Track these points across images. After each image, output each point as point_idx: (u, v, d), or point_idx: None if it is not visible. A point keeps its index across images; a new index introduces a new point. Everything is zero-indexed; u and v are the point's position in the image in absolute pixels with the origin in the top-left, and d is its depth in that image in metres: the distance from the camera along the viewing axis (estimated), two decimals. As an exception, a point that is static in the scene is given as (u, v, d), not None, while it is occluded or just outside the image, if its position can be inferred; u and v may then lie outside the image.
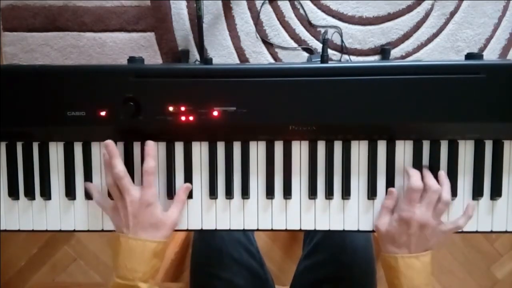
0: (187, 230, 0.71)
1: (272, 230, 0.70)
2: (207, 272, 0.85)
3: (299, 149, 0.69)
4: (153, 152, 0.67)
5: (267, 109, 0.65)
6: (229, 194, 0.69)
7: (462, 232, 0.70)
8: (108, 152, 0.66)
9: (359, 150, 0.69)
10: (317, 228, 0.70)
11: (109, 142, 0.66)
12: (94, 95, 0.66)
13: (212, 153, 0.69)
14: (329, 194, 0.69)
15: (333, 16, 1.20)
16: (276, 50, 1.21)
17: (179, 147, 0.70)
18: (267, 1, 1.19)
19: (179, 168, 0.70)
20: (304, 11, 1.19)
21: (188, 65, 1.13)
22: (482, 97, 0.64)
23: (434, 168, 0.68)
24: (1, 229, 0.72)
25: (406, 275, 0.63)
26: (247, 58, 1.21)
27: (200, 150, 0.70)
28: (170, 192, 0.69)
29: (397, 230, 0.64)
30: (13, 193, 0.70)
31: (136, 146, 0.70)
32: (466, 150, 0.69)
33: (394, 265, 0.64)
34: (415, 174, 0.66)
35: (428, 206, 0.64)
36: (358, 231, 0.70)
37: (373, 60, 1.20)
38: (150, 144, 0.67)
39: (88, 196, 0.70)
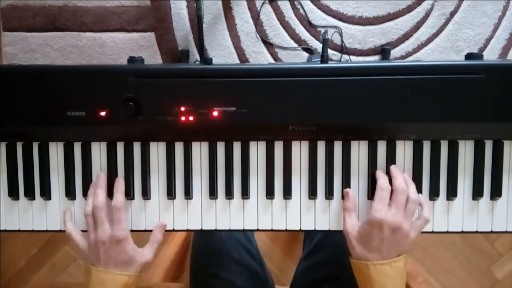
0: (187, 230, 0.71)
1: (272, 230, 0.70)
2: (207, 272, 0.85)
3: (299, 149, 0.69)
4: (122, 188, 0.68)
5: (267, 109, 0.65)
6: (229, 194, 0.69)
7: (462, 232, 0.70)
8: (96, 182, 0.67)
9: (359, 150, 0.69)
10: (317, 228, 0.70)
11: (101, 173, 0.69)
12: (94, 95, 0.66)
13: (212, 153, 0.69)
14: (329, 194, 0.69)
15: (333, 16, 1.19)
16: (276, 50, 1.21)
17: (179, 147, 0.70)
18: (267, 1, 1.19)
19: (179, 168, 0.70)
20: (304, 11, 1.19)
21: (188, 65, 1.12)
22: (482, 97, 0.64)
23: (434, 168, 0.68)
24: (1, 229, 0.72)
25: (378, 281, 0.63)
26: (247, 58, 1.21)
27: (200, 150, 0.70)
28: (170, 192, 0.69)
29: (369, 233, 0.63)
30: (13, 193, 0.70)
31: (136, 146, 0.70)
32: (466, 150, 0.69)
33: (366, 271, 0.64)
34: (382, 176, 0.66)
35: (398, 208, 0.63)
36: (358, 231, 0.70)
37: (373, 60, 1.20)
38: (120, 181, 0.68)
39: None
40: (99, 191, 0.66)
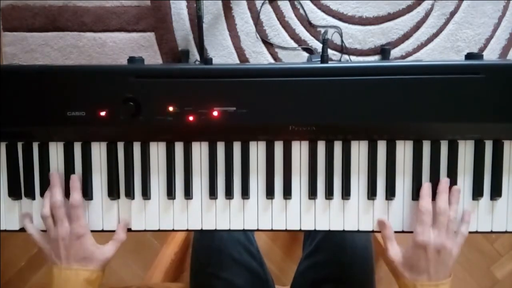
0: (187, 230, 0.71)
1: (272, 230, 0.70)
2: (207, 272, 0.85)
3: (299, 149, 0.69)
4: (77, 185, 0.68)
5: (267, 109, 0.65)
6: (229, 194, 0.69)
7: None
8: (51, 181, 0.68)
9: (359, 150, 0.69)
10: (317, 228, 0.70)
11: (54, 172, 0.69)
12: (94, 95, 0.66)
13: (212, 153, 0.69)
14: (329, 194, 0.69)
15: (333, 16, 1.19)
16: (276, 50, 1.21)
17: (179, 147, 0.70)
18: (267, 1, 1.19)
19: (179, 168, 0.70)
20: (304, 11, 1.19)
21: (188, 65, 1.12)
22: (482, 97, 0.64)
23: (434, 168, 0.68)
24: (1, 229, 0.72)
25: None
26: (247, 58, 1.21)
27: (200, 150, 0.70)
28: (170, 192, 0.69)
29: (415, 256, 0.64)
30: (13, 193, 0.70)
31: (136, 146, 0.70)
32: (466, 150, 0.69)
33: None
34: (425, 196, 0.66)
35: (441, 228, 0.64)
36: (358, 231, 0.70)
37: (373, 60, 1.20)
38: (74, 178, 0.68)
39: (87, 196, 0.70)
40: (55, 190, 0.67)
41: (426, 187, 0.67)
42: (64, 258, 0.65)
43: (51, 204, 0.66)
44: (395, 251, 0.66)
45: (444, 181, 0.67)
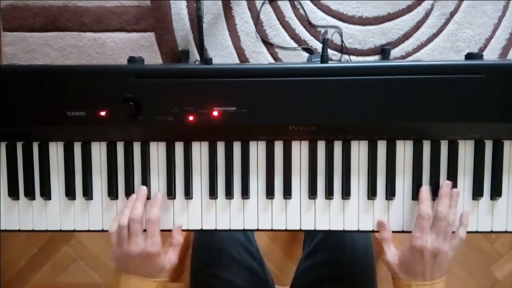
0: (187, 230, 0.71)
1: (272, 230, 0.70)
2: (207, 272, 0.85)
3: (299, 149, 0.69)
4: (159, 202, 0.68)
5: (267, 109, 0.65)
6: (229, 194, 0.69)
7: (462, 232, 0.70)
8: (137, 194, 0.68)
9: (359, 150, 0.69)
10: (317, 228, 0.70)
11: (143, 187, 0.69)
12: (94, 95, 0.66)
13: (212, 153, 0.69)
14: (329, 194, 0.69)
15: (333, 16, 1.20)
16: (276, 50, 1.21)
17: (179, 147, 0.70)
18: (267, 1, 1.19)
19: (179, 168, 0.70)
20: (304, 11, 1.19)
21: (188, 65, 1.13)
22: (482, 97, 0.64)
23: (434, 168, 0.68)
24: (1, 229, 0.72)
25: None
26: (247, 58, 1.21)
27: (200, 150, 0.70)
28: (170, 192, 0.69)
29: (411, 259, 0.64)
30: (13, 193, 0.70)
31: (136, 146, 0.70)
32: (466, 150, 0.69)
33: None
34: (424, 200, 0.65)
35: (439, 233, 0.64)
36: (358, 231, 0.70)
37: (373, 60, 1.21)
38: (158, 196, 0.69)
39: (87, 196, 0.70)
40: (138, 204, 0.66)
41: (425, 190, 0.66)
42: (132, 271, 0.65)
43: (131, 216, 0.65)
44: (392, 254, 0.67)
45: (445, 184, 0.67)
